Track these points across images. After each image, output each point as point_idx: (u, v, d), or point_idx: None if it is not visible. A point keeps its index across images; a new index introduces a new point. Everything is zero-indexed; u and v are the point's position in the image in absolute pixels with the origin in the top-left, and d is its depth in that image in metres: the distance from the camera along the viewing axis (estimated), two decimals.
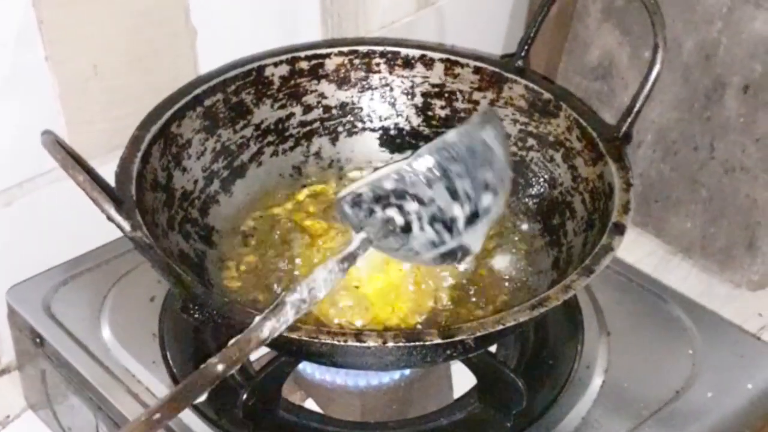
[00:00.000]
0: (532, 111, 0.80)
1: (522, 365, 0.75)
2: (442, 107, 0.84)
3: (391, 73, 0.84)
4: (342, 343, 0.58)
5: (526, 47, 0.82)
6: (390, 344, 0.58)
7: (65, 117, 0.79)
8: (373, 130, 0.85)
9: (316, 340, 0.58)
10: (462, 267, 0.75)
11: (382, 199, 0.65)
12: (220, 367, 0.53)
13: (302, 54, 0.83)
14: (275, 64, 0.82)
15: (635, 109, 0.73)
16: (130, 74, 0.81)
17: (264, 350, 0.74)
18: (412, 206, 0.64)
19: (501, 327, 0.59)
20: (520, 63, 0.82)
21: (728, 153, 0.90)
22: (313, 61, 0.83)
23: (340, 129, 0.85)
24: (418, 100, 0.85)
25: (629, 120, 0.73)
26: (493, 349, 0.77)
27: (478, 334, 0.59)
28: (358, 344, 0.58)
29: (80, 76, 0.78)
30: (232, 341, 0.55)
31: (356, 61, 0.84)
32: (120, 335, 0.76)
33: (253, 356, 0.76)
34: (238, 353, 0.54)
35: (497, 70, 0.82)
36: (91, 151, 0.76)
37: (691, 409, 0.72)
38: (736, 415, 0.73)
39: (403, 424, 0.72)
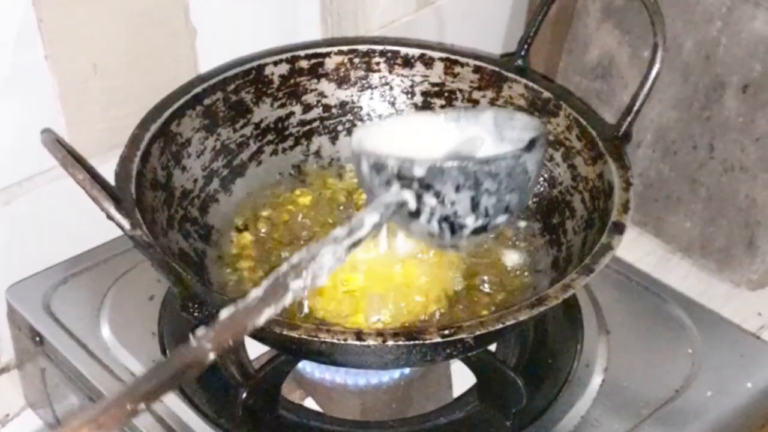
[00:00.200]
0: (532, 110, 0.80)
1: (521, 364, 0.75)
2: (442, 106, 0.84)
3: (390, 72, 0.84)
4: (342, 342, 0.58)
5: (525, 46, 0.82)
6: (390, 343, 0.58)
7: (65, 116, 0.79)
8: None
9: (316, 339, 0.58)
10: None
11: (405, 179, 0.63)
12: (211, 355, 0.49)
13: (302, 53, 0.83)
14: (275, 63, 0.82)
15: (635, 109, 0.73)
16: (130, 73, 0.81)
17: (264, 349, 0.75)
18: (431, 200, 0.63)
19: (500, 326, 0.59)
20: (519, 62, 0.82)
21: (727, 152, 0.90)
22: (313, 60, 0.83)
23: (339, 128, 0.85)
24: (418, 99, 0.85)
25: (629, 119, 0.73)
26: (492, 348, 0.77)
27: (478, 332, 0.59)
28: (357, 343, 0.58)
29: (80, 75, 0.78)
30: (222, 318, 0.50)
31: (356, 60, 0.84)
32: (119, 334, 0.76)
33: (252, 355, 0.76)
34: (231, 339, 0.50)
35: (497, 69, 0.82)
36: (90, 150, 0.75)
37: (690, 408, 0.72)
38: (735, 414, 0.73)
39: (403, 423, 0.72)
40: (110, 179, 0.67)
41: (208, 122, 0.78)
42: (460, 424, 0.72)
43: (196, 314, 0.63)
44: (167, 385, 0.48)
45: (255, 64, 0.81)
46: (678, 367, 0.75)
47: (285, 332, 0.59)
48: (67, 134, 0.79)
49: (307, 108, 0.84)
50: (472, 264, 0.76)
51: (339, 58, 0.84)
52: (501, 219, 0.65)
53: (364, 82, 0.85)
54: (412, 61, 0.84)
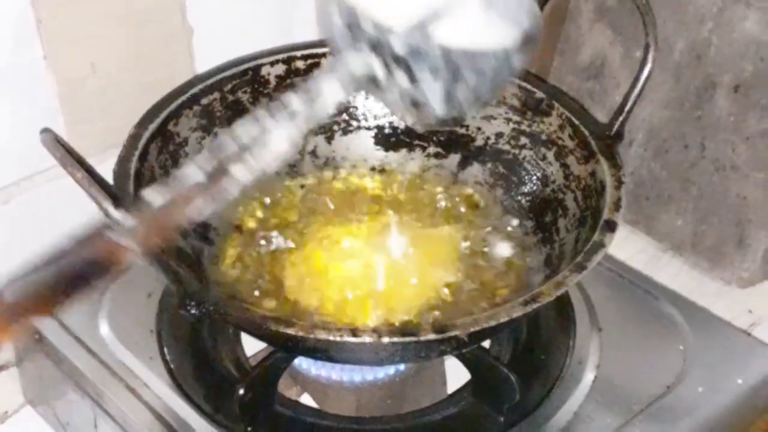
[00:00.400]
0: (525, 110, 0.81)
1: (515, 360, 0.76)
2: None
3: None
4: (337, 339, 0.59)
5: None
6: (385, 339, 0.59)
7: (64, 115, 0.79)
8: (368, 128, 0.86)
9: (311, 336, 0.59)
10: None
11: (380, 48, 0.53)
12: (135, 246, 0.41)
13: (298, 53, 0.83)
14: (271, 64, 0.82)
15: (627, 108, 0.74)
16: (128, 73, 0.81)
17: (260, 346, 0.75)
18: (403, 81, 0.54)
19: (494, 323, 0.60)
20: None
21: (719, 152, 0.91)
22: (309, 61, 0.83)
23: (335, 128, 0.86)
24: None
25: (621, 119, 0.74)
26: (486, 344, 0.77)
27: (472, 329, 0.60)
28: (353, 339, 0.59)
29: (78, 75, 0.78)
30: (151, 208, 0.43)
31: None
32: (118, 331, 0.76)
33: (249, 352, 0.76)
34: (161, 233, 0.43)
35: None
36: (89, 149, 0.76)
37: (681, 404, 0.73)
38: (726, 410, 0.74)
39: (398, 419, 0.73)
40: (109, 178, 0.67)
41: (205, 122, 0.79)
42: (455, 419, 0.72)
43: (193, 312, 0.63)
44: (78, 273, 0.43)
45: (252, 64, 0.81)
46: (669, 364, 0.76)
47: (281, 329, 0.59)
48: (65, 133, 0.79)
49: None
50: (466, 261, 0.76)
51: None
52: (472, 110, 0.58)
53: None
54: None
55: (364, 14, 0.53)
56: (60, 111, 0.79)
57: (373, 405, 0.76)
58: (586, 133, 0.75)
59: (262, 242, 0.78)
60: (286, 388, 0.76)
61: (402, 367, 0.75)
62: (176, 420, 0.70)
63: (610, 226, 0.67)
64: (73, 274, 0.44)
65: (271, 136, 0.48)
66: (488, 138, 0.83)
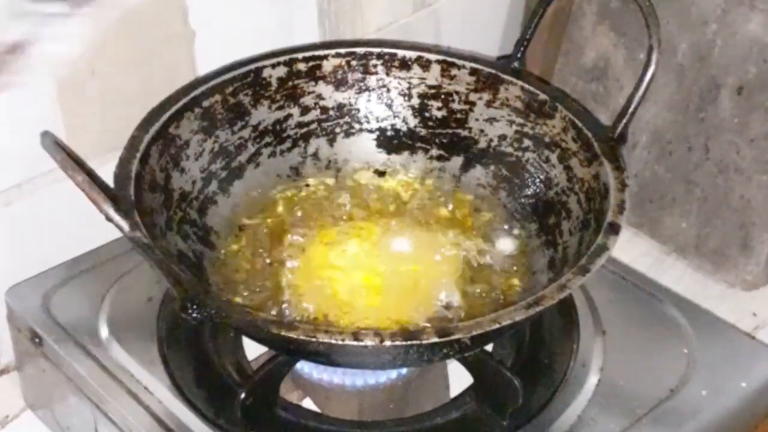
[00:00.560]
0: (528, 112, 0.81)
1: (518, 364, 0.75)
2: (439, 108, 0.85)
3: (388, 74, 0.85)
4: (339, 342, 0.59)
5: (522, 49, 0.83)
6: (387, 343, 0.59)
7: (64, 118, 0.79)
8: (370, 131, 0.86)
9: (313, 339, 0.59)
10: None
11: None
12: None
13: (300, 56, 0.83)
14: (273, 66, 0.82)
15: (630, 110, 0.74)
16: (128, 75, 0.81)
17: (262, 350, 0.75)
18: None
19: (497, 326, 0.60)
20: (516, 64, 0.82)
21: (722, 154, 0.91)
22: (311, 63, 0.83)
23: (337, 130, 0.86)
24: (415, 101, 0.85)
25: (624, 121, 0.74)
26: (489, 348, 0.77)
27: (474, 332, 0.60)
28: (355, 343, 0.59)
29: (78, 77, 0.78)
30: None
31: (353, 63, 0.84)
32: (118, 335, 0.76)
33: (251, 356, 0.76)
34: None
35: (493, 71, 0.82)
36: (89, 152, 0.76)
37: (685, 407, 0.72)
38: (730, 414, 0.73)
39: (400, 423, 0.72)
40: (109, 181, 0.67)
41: (207, 124, 0.79)
42: (457, 423, 0.72)
43: (194, 315, 0.63)
44: None
45: (253, 66, 0.81)
46: (673, 367, 0.75)
47: (283, 333, 0.59)
48: (66, 136, 0.79)
49: (305, 110, 0.84)
50: (468, 265, 0.76)
51: (336, 61, 0.84)
52: None
53: (361, 84, 0.85)
54: (409, 63, 0.84)
55: None
56: (60, 114, 0.78)
57: (376, 409, 0.76)
58: (590, 135, 0.75)
59: (264, 245, 0.78)
60: (287, 392, 0.76)
61: (404, 370, 0.75)
62: (177, 424, 0.69)
63: (614, 229, 0.67)
64: None
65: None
66: (491, 140, 0.83)
